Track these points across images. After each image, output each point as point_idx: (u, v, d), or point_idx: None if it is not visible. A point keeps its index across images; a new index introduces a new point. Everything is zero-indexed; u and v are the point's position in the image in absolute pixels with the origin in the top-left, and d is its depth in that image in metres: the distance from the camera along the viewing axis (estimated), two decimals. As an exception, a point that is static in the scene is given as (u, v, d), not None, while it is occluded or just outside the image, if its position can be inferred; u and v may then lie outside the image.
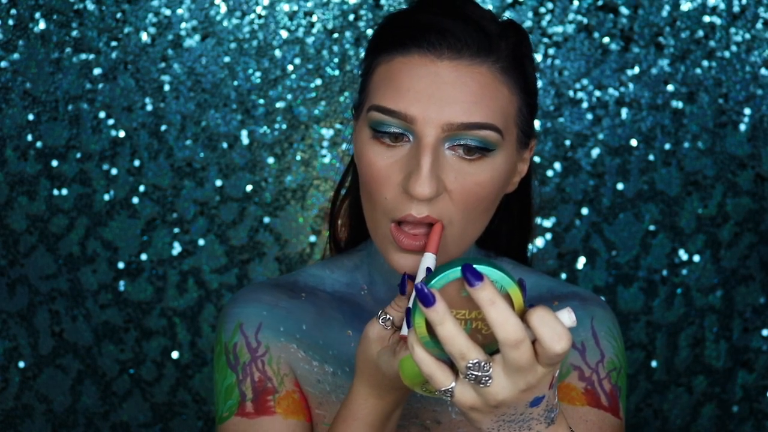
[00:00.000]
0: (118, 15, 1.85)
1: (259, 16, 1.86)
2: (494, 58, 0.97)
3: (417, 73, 0.96)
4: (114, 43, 1.85)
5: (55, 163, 1.87)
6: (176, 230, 1.89)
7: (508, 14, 1.88)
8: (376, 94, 0.99)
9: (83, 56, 1.85)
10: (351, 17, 1.87)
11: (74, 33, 1.85)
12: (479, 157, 0.97)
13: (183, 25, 1.86)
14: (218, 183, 1.89)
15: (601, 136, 1.90)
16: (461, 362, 0.77)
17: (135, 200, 1.88)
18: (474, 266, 0.76)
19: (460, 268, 0.77)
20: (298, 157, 1.89)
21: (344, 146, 1.89)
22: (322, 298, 1.15)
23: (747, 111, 1.91)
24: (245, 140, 1.88)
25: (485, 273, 0.77)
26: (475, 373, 0.77)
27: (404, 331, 0.92)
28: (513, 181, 1.05)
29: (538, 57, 1.89)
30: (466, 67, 0.96)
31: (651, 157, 1.91)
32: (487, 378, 0.77)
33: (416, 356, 0.80)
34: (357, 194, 1.18)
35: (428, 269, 0.93)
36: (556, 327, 0.75)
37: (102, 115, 1.87)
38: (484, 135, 0.96)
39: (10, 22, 1.84)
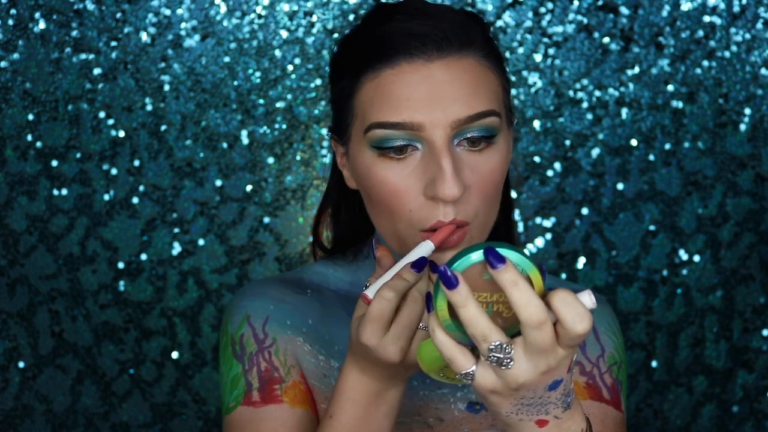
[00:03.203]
0: (118, 15, 1.85)
1: (259, 16, 1.86)
2: (475, 47, 0.98)
3: (411, 80, 0.96)
4: (114, 43, 1.85)
5: (55, 163, 1.87)
6: (176, 230, 1.89)
7: (508, 14, 1.88)
8: (371, 112, 0.97)
9: (83, 56, 1.85)
10: (351, 17, 1.87)
11: (74, 33, 1.85)
12: (486, 145, 0.98)
13: (183, 25, 1.86)
14: (218, 183, 1.89)
15: (601, 136, 1.90)
16: (483, 344, 0.78)
17: (135, 200, 1.88)
18: (496, 249, 0.77)
19: (481, 251, 0.78)
20: (298, 157, 1.89)
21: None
22: (326, 295, 1.15)
23: (747, 111, 1.91)
24: (245, 140, 1.88)
25: (507, 256, 0.78)
26: (497, 355, 0.78)
27: (368, 292, 0.93)
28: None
29: (538, 57, 1.89)
30: (456, 61, 0.96)
31: (651, 157, 1.91)
32: (508, 360, 0.78)
33: (437, 339, 0.81)
34: (339, 203, 1.18)
35: (424, 258, 0.94)
36: (577, 308, 0.76)
37: (102, 115, 1.87)
38: (488, 122, 0.97)
39: (10, 22, 1.84)
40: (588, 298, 0.78)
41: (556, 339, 0.77)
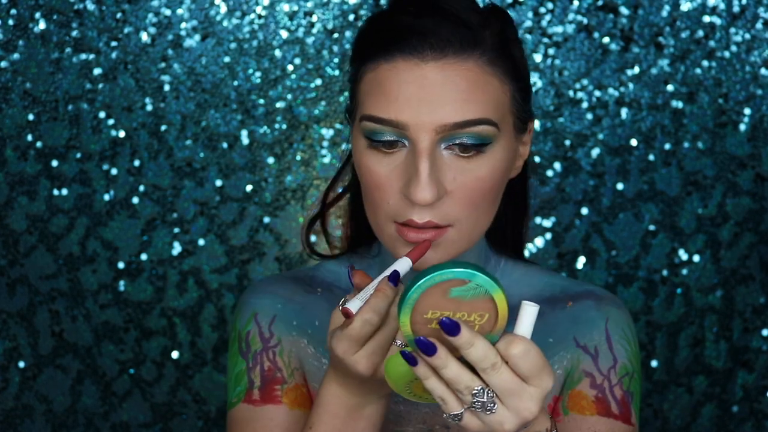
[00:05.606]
0: (118, 15, 1.85)
1: (259, 16, 1.86)
2: (480, 50, 0.95)
3: (403, 78, 0.94)
4: (114, 43, 1.85)
5: (55, 163, 1.87)
6: (176, 230, 1.89)
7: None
8: (366, 103, 0.97)
9: (83, 56, 1.85)
10: (351, 17, 1.87)
11: (74, 33, 1.85)
12: (476, 153, 0.95)
13: (183, 25, 1.86)
14: (218, 183, 1.89)
15: (601, 136, 1.90)
16: (468, 397, 0.82)
17: (135, 200, 1.88)
18: (448, 319, 0.80)
19: (448, 270, 0.80)
20: (298, 157, 1.89)
21: (344, 146, 1.89)
22: (337, 294, 1.15)
23: (747, 111, 1.91)
24: (245, 140, 1.88)
25: (472, 277, 0.80)
26: (481, 400, 0.81)
27: (351, 306, 0.92)
28: (516, 165, 1.04)
29: (538, 57, 1.89)
30: (452, 65, 0.94)
31: (651, 157, 1.91)
32: (492, 404, 0.81)
33: (429, 385, 0.83)
34: (356, 192, 1.18)
35: (397, 271, 0.93)
36: (518, 345, 0.80)
37: (102, 115, 1.87)
38: (479, 131, 0.94)
39: (10, 22, 1.84)
40: (530, 310, 0.81)
41: (519, 378, 0.81)
